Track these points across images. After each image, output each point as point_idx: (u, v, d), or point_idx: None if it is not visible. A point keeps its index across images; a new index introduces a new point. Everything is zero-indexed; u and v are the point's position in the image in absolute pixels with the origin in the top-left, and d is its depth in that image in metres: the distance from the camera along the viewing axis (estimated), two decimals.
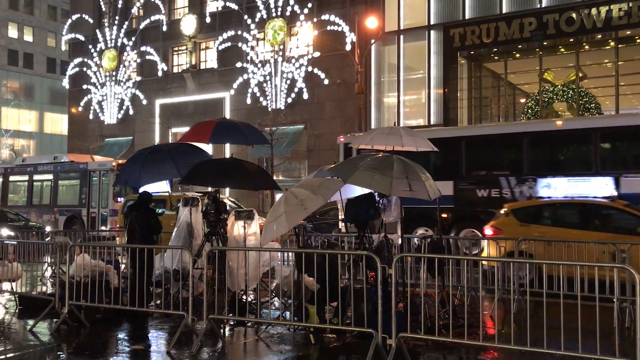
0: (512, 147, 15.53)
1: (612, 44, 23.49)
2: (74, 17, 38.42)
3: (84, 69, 37.62)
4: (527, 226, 11.15)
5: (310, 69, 29.01)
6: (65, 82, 39.49)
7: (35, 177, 24.48)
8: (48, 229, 19.70)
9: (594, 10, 22.68)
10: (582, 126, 15.24)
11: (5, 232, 17.32)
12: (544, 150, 15.30)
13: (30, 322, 8.29)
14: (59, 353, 7.20)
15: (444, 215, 15.53)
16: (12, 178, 25.51)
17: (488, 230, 11.55)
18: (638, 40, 23.16)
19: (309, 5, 28.97)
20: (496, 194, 14.95)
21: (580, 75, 24.33)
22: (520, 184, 14.63)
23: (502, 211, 12.15)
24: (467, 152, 15.76)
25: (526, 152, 15.01)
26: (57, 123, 64.09)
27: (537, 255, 9.58)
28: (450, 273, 8.28)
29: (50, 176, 23.92)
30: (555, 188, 12.03)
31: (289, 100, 29.65)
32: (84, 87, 37.50)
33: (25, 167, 25.18)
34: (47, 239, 14.04)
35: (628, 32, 22.83)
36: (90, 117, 37.35)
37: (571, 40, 23.78)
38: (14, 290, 9.81)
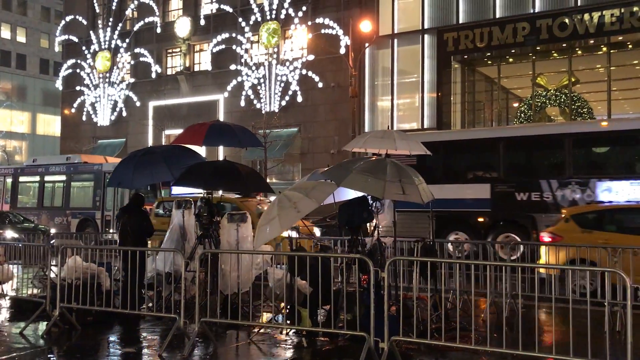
0: (557, 148, 14.67)
1: (605, 49, 23.63)
2: (68, 18, 38.28)
3: (77, 70, 37.46)
4: (589, 233, 10.41)
5: (304, 72, 29.03)
6: (59, 84, 39.30)
7: (47, 178, 23.75)
8: (53, 231, 19.39)
9: (586, 16, 22.81)
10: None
11: (10, 234, 17.15)
12: (599, 151, 14.68)
13: (21, 324, 8.24)
14: (49, 356, 7.15)
15: (481, 219, 14.96)
16: (22, 179, 24.74)
17: (546, 237, 10.77)
18: (630, 46, 23.32)
19: (304, 8, 29.00)
20: (537, 197, 14.27)
21: (573, 80, 24.46)
22: (563, 187, 13.95)
23: (561, 217, 11.41)
24: (505, 153, 15.05)
25: (575, 154, 14.28)
26: (50, 124, 63.79)
27: (601, 264, 8.73)
28: (442, 276, 8.29)
29: (62, 177, 23.22)
30: (616, 192, 11.64)
31: (283, 103, 29.66)
32: (77, 88, 37.34)
33: (36, 167, 24.40)
34: (52, 241, 13.92)
35: (620, 38, 22.99)
36: (83, 118, 37.19)
37: (564, 45, 23.91)
38: (5, 292, 9.75)
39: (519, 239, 13.96)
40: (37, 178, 24.12)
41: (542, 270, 9.17)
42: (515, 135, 15.79)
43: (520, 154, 15.51)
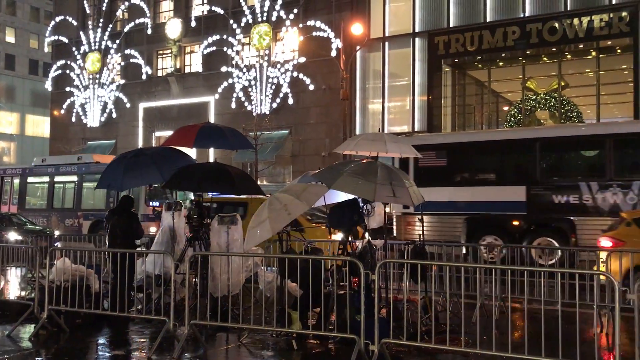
0: (598, 149, 14.23)
1: (594, 53, 23.83)
2: (58, 18, 38.04)
3: (67, 71, 37.24)
4: None
5: (295, 74, 29.02)
6: (48, 84, 39.05)
7: (57, 178, 22.95)
8: (57, 233, 19.00)
9: (576, 21, 23.00)
10: None
11: (14, 236, 16.93)
12: None
13: (8, 327, 8.17)
14: (37, 359, 7.09)
15: (516, 223, 14.36)
16: (30, 179, 23.91)
17: (606, 242, 10.19)
18: (618, 51, 23.54)
19: (295, 10, 29.01)
20: (576, 200, 13.69)
21: (563, 84, 24.63)
22: (604, 189, 13.42)
23: (620, 220, 10.81)
24: (542, 154, 14.42)
25: (616, 155, 13.81)
26: (39, 125, 63.32)
27: None
28: (433, 279, 8.31)
29: (73, 178, 22.38)
30: None
31: (274, 105, 29.63)
32: (67, 89, 37.11)
33: (45, 168, 23.55)
34: (56, 244, 13.75)
35: (609, 43, 23.20)
36: (73, 119, 36.96)
37: (554, 49, 24.08)
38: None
39: (556, 244, 13.58)
40: (47, 179, 23.25)
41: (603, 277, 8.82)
42: (553, 135, 15.05)
43: (558, 155, 14.90)
